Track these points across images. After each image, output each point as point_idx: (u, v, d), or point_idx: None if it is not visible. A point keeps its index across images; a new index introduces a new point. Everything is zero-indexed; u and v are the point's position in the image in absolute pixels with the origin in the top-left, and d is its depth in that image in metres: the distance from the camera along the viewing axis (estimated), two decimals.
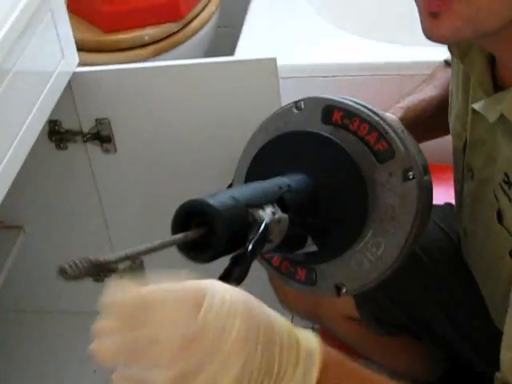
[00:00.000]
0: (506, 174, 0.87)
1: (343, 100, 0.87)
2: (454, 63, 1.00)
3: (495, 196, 0.90)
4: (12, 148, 1.13)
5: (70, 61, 1.31)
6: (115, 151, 1.42)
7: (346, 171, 0.84)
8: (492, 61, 0.90)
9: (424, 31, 0.81)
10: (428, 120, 1.13)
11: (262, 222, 0.72)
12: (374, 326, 1.24)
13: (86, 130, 1.40)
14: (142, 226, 1.48)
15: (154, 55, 1.94)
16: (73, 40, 1.32)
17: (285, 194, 0.79)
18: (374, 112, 0.86)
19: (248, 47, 1.81)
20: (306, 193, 0.83)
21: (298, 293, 1.07)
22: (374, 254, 0.85)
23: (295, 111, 0.89)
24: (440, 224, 1.19)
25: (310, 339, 0.61)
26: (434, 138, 1.18)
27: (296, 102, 0.90)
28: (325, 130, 0.86)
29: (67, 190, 1.50)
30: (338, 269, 0.87)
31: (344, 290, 0.88)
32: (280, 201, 0.78)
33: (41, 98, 1.21)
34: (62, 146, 1.43)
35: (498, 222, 0.90)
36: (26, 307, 1.66)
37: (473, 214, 1.00)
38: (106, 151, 1.42)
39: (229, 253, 0.70)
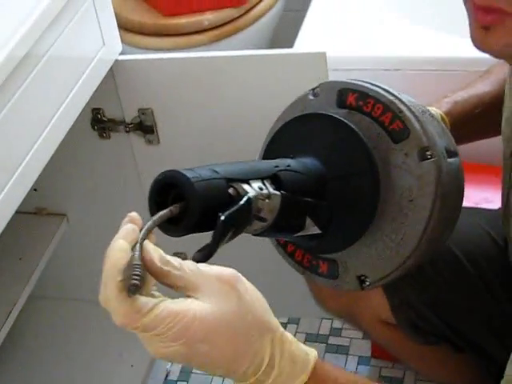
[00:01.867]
0: None
1: (358, 82, 0.84)
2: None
3: None
4: (45, 133, 1.09)
5: (111, 48, 1.26)
6: (158, 142, 1.37)
7: (357, 154, 0.81)
8: None
9: (473, 41, 0.78)
10: (479, 117, 1.05)
11: (244, 196, 0.69)
12: (411, 333, 1.16)
13: (128, 119, 1.35)
14: None
15: (214, 41, 1.89)
16: (116, 27, 1.27)
17: (281, 173, 0.76)
18: (389, 92, 0.82)
19: (309, 36, 1.73)
20: (309, 175, 0.80)
21: (334, 292, 1.03)
22: (394, 240, 0.81)
23: (312, 98, 0.88)
24: (487, 229, 1.11)
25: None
26: (485, 137, 1.10)
27: (313, 89, 0.88)
28: (340, 114, 0.83)
29: (110, 180, 1.47)
30: (358, 260, 0.84)
31: (368, 283, 0.85)
32: (274, 178, 0.75)
33: (78, 84, 1.17)
34: (105, 135, 1.39)
35: None
36: (66, 295, 1.64)
37: None
38: (149, 142, 1.37)
39: (208, 227, 0.67)
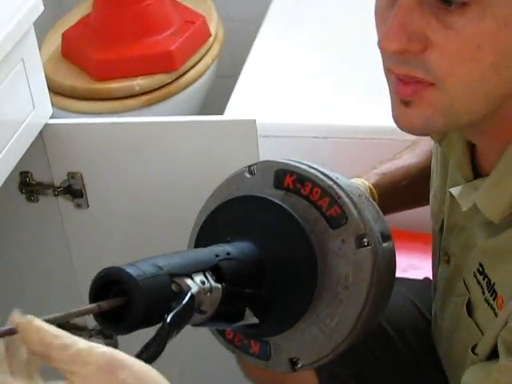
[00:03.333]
0: (480, 265, 0.81)
1: (296, 164, 0.84)
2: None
3: (466, 286, 0.83)
4: None
5: (41, 112, 1.25)
6: (88, 206, 1.36)
7: (294, 239, 0.80)
8: (472, 144, 0.84)
9: (394, 119, 0.76)
10: (406, 189, 1.07)
11: (187, 292, 0.68)
12: None
13: (57, 183, 1.34)
14: None
15: (146, 105, 1.89)
16: (46, 90, 1.27)
17: (222, 262, 0.75)
18: (327, 176, 0.82)
19: (239, 102, 1.76)
20: (248, 261, 0.79)
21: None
22: (328, 325, 0.81)
23: (248, 175, 0.87)
24: (415, 301, 1.12)
25: None
26: (413, 207, 1.12)
27: (249, 166, 0.87)
28: (276, 195, 0.82)
29: (38, 244, 1.44)
30: (291, 342, 0.83)
31: (299, 365, 0.84)
32: (216, 269, 0.74)
33: (6, 147, 1.16)
34: (32, 198, 1.37)
35: (468, 315, 0.83)
36: None
37: (443, 300, 0.93)
38: (78, 206, 1.36)
39: (150, 325, 0.66)
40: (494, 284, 0.78)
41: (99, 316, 0.64)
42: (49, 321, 0.57)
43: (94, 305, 0.62)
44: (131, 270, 0.65)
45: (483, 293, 0.80)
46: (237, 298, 0.76)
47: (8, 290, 1.50)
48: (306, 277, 0.80)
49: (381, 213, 0.87)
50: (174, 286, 0.68)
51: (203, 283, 0.70)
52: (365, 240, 0.80)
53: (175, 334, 0.66)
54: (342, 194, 0.81)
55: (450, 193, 0.86)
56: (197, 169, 1.29)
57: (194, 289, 0.69)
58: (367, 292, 0.79)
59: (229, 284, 0.74)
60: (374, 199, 0.97)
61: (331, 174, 0.83)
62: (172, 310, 0.66)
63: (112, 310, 0.64)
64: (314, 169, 0.83)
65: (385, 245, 0.83)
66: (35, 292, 1.49)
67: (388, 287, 0.85)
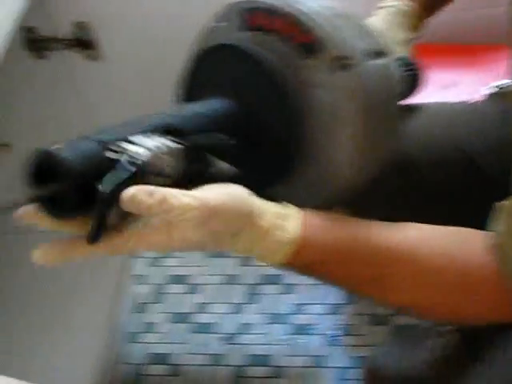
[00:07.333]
0: None
1: None
2: None
3: None
4: None
5: None
6: (100, 58, 1.27)
7: (263, 80, 0.73)
8: None
9: None
10: None
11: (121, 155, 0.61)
12: None
13: (64, 35, 1.25)
14: None
15: None
16: None
17: (175, 119, 0.68)
18: (290, 2, 0.73)
19: None
20: (215, 115, 0.73)
21: None
22: (324, 163, 0.74)
23: (216, 24, 0.78)
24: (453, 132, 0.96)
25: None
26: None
27: (215, 14, 0.79)
28: (243, 39, 0.75)
29: (51, 102, 1.37)
30: (294, 190, 0.77)
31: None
32: (169, 128, 0.67)
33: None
34: (41, 54, 1.28)
35: None
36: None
37: None
38: (90, 58, 1.27)
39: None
40: None
41: (40, 200, 0.59)
42: None
43: (30, 193, 0.59)
44: (57, 151, 0.58)
45: None
46: (201, 152, 0.69)
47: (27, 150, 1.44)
48: (285, 118, 0.73)
49: (369, 28, 0.77)
50: (108, 154, 0.60)
51: (157, 147, 0.63)
52: (344, 62, 0.71)
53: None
54: (308, 18, 0.72)
55: None
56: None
57: (142, 152, 0.61)
58: (357, 118, 0.71)
59: (186, 139, 0.67)
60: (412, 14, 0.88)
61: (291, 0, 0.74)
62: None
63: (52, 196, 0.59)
64: None
65: (374, 62, 0.74)
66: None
67: (388, 109, 0.76)
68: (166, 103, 1.30)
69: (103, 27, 1.23)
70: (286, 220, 0.67)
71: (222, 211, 0.62)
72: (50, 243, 0.60)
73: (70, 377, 1.34)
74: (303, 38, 0.72)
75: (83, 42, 1.24)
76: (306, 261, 0.67)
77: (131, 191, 0.58)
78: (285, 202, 0.69)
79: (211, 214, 0.61)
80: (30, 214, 0.59)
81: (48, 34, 1.25)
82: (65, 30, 1.24)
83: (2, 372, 1.27)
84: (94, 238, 0.59)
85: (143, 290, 1.61)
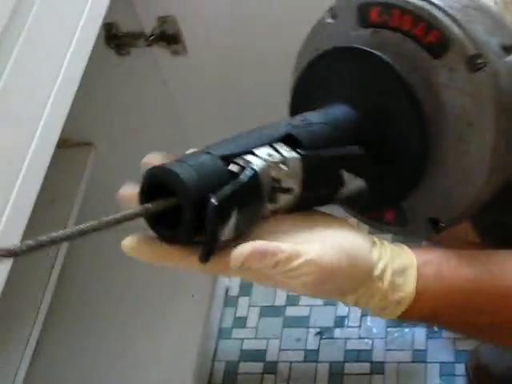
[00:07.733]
0: None
1: None
2: None
3: None
4: (68, 57, 0.99)
5: None
6: (185, 52, 1.22)
7: (389, 85, 0.67)
8: None
9: None
10: None
11: (245, 170, 0.57)
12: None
13: (148, 31, 1.20)
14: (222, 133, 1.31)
15: None
16: None
17: (295, 130, 0.63)
18: None
19: None
20: (338, 124, 0.67)
21: None
22: (459, 173, 0.68)
23: (330, 21, 0.72)
24: None
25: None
26: None
27: (330, 9, 0.72)
28: (363, 36, 0.69)
29: (136, 100, 1.32)
30: (425, 200, 0.71)
31: (442, 223, 0.72)
32: (289, 139, 0.62)
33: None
34: (123, 51, 1.24)
35: None
36: None
37: None
38: (175, 53, 1.22)
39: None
40: None
41: (149, 219, 0.56)
42: (96, 227, 0.50)
43: (140, 207, 0.54)
44: (175, 168, 0.54)
45: None
46: (325, 163, 0.64)
47: (109, 149, 1.41)
48: (416, 123, 0.67)
49: (503, 20, 0.71)
50: (232, 167, 0.57)
51: (270, 156, 0.59)
52: (478, 61, 0.65)
53: (240, 220, 0.56)
54: (437, 13, 0.66)
55: None
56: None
57: (257, 163, 0.58)
58: (495, 123, 0.65)
59: (308, 150, 0.62)
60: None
61: None
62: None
63: (166, 214, 0.55)
64: None
65: (510, 59, 0.67)
66: (142, 144, 1.39)
67: None
68: (255, 96, 1.24)
69: (186, 21, 1.18)
70: (403, 275, 0.62)
71: (338, 273, 0.58)
72: (146, 238, 0.55)
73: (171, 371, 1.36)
74: (431, 37, 0.66)
75: (168, 37, 1.20)
76: (417, 316, 0.64)
77: (239, 253, 0.54)
78: (399, 244, 0.65)
79: (327, 278, 0.57)
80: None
81: (130, 29, 1.21)
82: (148, 25, 1.19)
83: (110, 364, 1.28)
84: (204, 256, 0.55)
85: (233, 283, 1.58)
